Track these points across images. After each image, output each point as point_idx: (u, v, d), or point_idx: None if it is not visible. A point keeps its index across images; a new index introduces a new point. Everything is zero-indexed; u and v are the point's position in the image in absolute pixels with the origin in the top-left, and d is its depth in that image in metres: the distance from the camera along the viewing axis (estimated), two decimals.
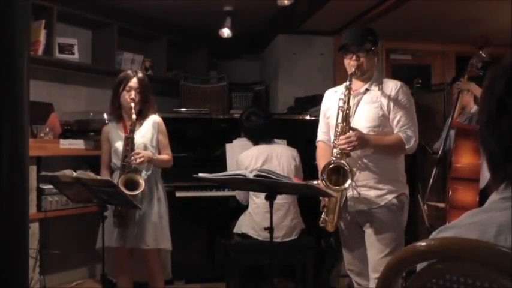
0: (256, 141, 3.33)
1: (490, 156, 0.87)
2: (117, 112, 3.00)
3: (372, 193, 2.45)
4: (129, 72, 3.00)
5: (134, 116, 2.84)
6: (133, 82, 2.92)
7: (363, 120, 2.46)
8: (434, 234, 0.86)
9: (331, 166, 2.36)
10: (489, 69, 0.90)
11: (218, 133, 4.26)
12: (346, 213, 2.51)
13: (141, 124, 2.97)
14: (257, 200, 3.15)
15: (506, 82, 0.84)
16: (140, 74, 3.00)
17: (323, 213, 2.48)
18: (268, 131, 3.35)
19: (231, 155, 3.82)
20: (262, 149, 3.27)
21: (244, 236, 3.23)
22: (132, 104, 2.86)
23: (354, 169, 2.37)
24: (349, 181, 2.31)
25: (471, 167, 3.21)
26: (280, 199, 2.83)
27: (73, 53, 4.07)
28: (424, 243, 0.80)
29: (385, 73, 5.05)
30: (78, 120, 3.86)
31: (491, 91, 0.86)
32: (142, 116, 2.98)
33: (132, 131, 2.85)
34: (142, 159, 2.81)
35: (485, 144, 0.87)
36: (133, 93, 2.90)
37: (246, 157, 3.25)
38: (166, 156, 3.02)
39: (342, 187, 2.35)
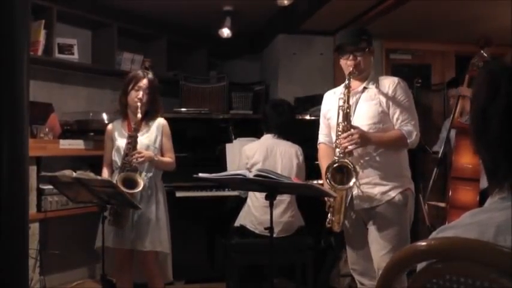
0: (268, 131, 3.35)
1: (483, 162, 0.89)
2: (124, 110, 3.02)
3: (376, 190, 2.45)
4: (140, 72, 3.03)
5: (139, 115, 2.86)
6: (143, 83, 2.94)
7: (363, 117, 2.47)
8: (434, 234, 0.87)
9: (335, 165, 2.36)
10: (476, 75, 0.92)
11: (218, 133, 4.26)
12: (352, 211, 2.51)
13: (147, 125, 2.98)
14: (257, 194, 3.16)
15: (487, 91, 0.85)
16: (150, 76, 3.01)
17: (329, 214, 2.47)
18: (287, 127, 3.37)
19: (231, 155, 3.82)
20: (267, 143, 3.30)
21: (242, 228, 3.25)
22: (139, 104, 2.88)
23: (357, 167, 2.37)
24: (353, 180, 2.32)
25: (472, 167, 3.21)
26: (279, 195, 2.84)
27: (73, 53, 4.07)
28: (424, 243, 0.80)
29: (385, 73, 5.04)
30: (77, 120, 3.86)
31: (476, 100, 0.87)
32: (148, 117, 2.99)
33: (136, 130, 2.86)
34: (143, 158, 2.82)
35: (477, 152, 0.89)
36: (141, 93, 2.91)
37: (249, 149, 3.31)
38: (168, 158, 3.01)
39: (347, 186, 2.35)
